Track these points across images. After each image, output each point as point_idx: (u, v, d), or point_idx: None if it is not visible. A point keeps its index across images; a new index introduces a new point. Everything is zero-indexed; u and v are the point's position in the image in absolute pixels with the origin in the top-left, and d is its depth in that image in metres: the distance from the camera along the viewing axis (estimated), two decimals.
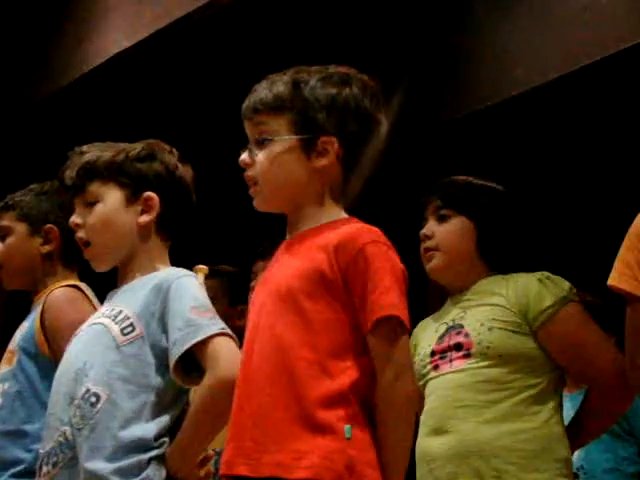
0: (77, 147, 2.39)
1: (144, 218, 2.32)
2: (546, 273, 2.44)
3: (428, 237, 2.53)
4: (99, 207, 2.31)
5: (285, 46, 4.33)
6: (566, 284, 2.42)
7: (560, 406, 2.41)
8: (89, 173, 2.33)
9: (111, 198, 2.32)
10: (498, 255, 2.51)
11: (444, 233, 2.51)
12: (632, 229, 2.24)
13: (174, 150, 2.41)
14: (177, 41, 4.36)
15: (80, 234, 2.33)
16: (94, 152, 2.35)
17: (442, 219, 2.53)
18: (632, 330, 2.25)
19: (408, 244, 2.58)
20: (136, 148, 2.36)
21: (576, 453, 3.19)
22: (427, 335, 2.52)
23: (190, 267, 2.35)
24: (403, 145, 4.47)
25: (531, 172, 4.59)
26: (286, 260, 2.05)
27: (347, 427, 1.89)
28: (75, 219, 2.33)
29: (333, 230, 2.02)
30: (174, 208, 2.34)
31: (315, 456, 1.87)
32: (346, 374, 1.93)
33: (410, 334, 2.02)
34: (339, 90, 2.06)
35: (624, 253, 2.23)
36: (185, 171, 2.40)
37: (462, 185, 2.58)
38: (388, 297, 1.95)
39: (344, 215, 2.09)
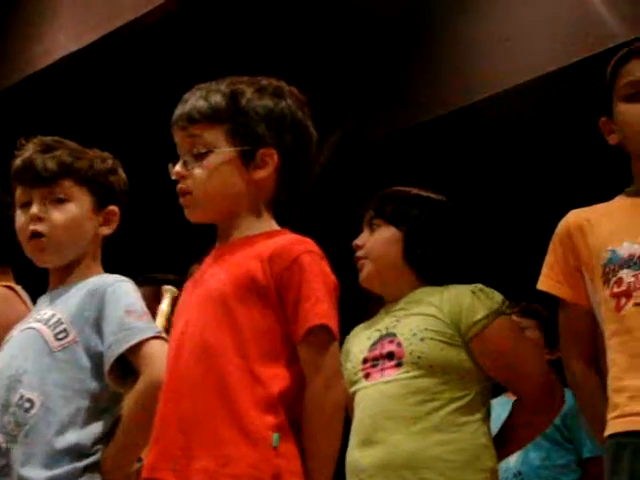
0: (40, 137, 2.36)
1: (105, 231, 2.35)
2: (479, 285, 2.47)
3: (359, 247, 2.56)
4: (70, 207, 2.30)
5: (227, 53, 4.33)
6: (499, 297, 2.45)
7: (488, 417, 2.43)
8: (67, 170, 2.31)
9: (82, 201, 2.31)
10: (426, 265, 2.53)
11: (372, 242, 2.55)
12: (555, 233, 2.30)
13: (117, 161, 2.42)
14: (124, 45, 4.35)
15: (38, 227, 2.29)
16: (66, 150, 2.33)
17: (374, 229, 2.57)
18: (562, 331, 2.32)
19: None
20: (107, 159, 2.37)
21: (515, 458, 3.24)
22: (359, 342, 2.53)
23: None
24: (350, 158, 4.52)
25: (472, 184, 4.63)
26: (218, 267, 2.06)
27: (275, 436, 1.90)
28: (38, 212, 2.29)
29: (267, 240, 2.03)
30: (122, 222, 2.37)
31: (242, 464, 1.88)
32: (276, 382, 1.94)
33: (341, 343, 2.04)
34: (275, 102, 2.08)
35: (548, 256, 2.31)
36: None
37: (395, 196, 2.61)
38: (320, 307, 1.96)
39: (277, 226, 2.11)
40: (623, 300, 2.14)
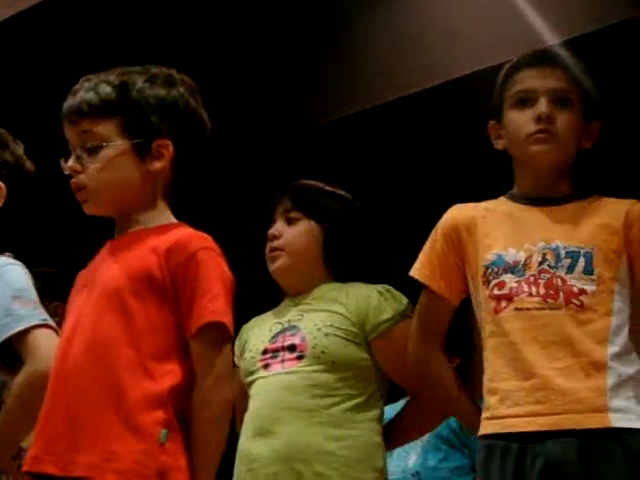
0: None
1: None
2: (387, 286, 2.48)
3: (276, 237, 2.54)
4: None
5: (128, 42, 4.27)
6: (404, 299, 2.46)
7: (382, 416, 2.45)
8: None
9: None
10: (342, 262, 2.53)
11: (291, 235, 2.53)
12: (439, 224, 2.31)
13: (19, 142, 2.37)
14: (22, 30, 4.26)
15: None
16: None
17: (291, 221, 2.55)
18: (421, 318, 2.33)
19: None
20: None
21: (414, 459, 3.26)
22: (260, 332, 2.52)
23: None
24: (261, 154, 4.50)
25: (381, 182, 4.65)
26: (113, 260, 2.04)
27: (163, 432, 1.89)
28: None
29: (164, 234, 2.02)
30: (16, 201, 2.30)
31: (127, 460, 1.86)
32: (167, 378, 1.93)
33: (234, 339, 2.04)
34: (167, 90, 2.06)
35: (426, 245, 2.31)
36: (31, 165, 2.36)
37: (313, 190, 2.61)
38: (216, 303, 1.96)
39: (174, 220, 2.09)
40: (503, 303, 2.17)
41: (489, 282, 2.19)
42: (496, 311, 2.18)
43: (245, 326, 2.58)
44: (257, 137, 4.56)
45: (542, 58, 2.30)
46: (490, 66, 3.58)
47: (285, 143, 4.50)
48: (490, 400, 2.15)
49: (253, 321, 2.60)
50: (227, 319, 1.96)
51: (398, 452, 3.25)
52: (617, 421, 2.06)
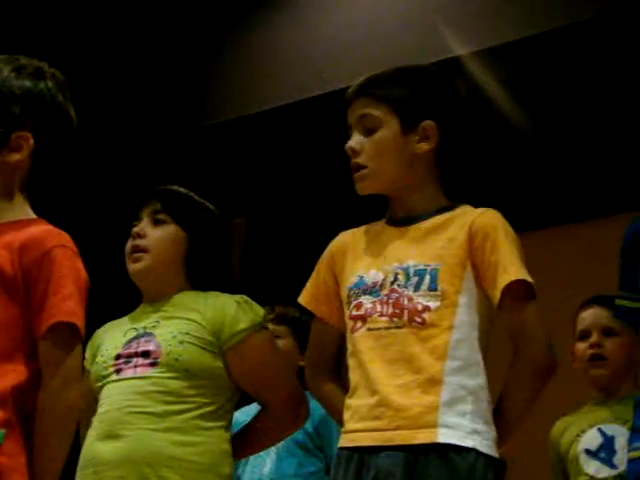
0: None
1: None
2: (244, 297, 2.49)
3: (140, 236, 2.52)
4: None
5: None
6: (261, 311, 2.48)
7: (230, 425, 2.46)
8: None
9: None
10: (203, 272, 2.54)
11: (157, 236, 2.51)
12: (325, 251, 2.37)
13: None
14: None
15: None
16: None
17: (158, 222, 2.53)
18: (311, 345, 2.41)
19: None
20: None
21: (268, 466, 3.27)
22: (113, 337, 2.49)
23: None
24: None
25: (263, 187, 4.66)
26: None
27: (1, 432, 1.85)
28: None
29: (20, 229, 1.98)
30: None
31: None
32: (11, 377, 1.89)
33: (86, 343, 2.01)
34: (34, 83, 2.02)
35: (314, 272, 2.37)
36: None
37: (184, 196, 2.60)
38: (68, 304, 1.93)
39: (33, 215, 2.05)
40: (359, 323, 2.22)
41: (350, 303, 2.25)
42: (352, 331, 2.24)
43: (98, 330, 2.56)
44: (132, 136, 4.54)
45: (350, 94, 2.31)
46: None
47: (161, 143, 4.49)
48: (345, 416, 2.22)
49: (107, 325, 2.58)
50: (78, 320, 1.93)
51: (254, 458, 3.26)
52: (444, 437, 2.09)
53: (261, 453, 3.09)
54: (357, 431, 2.17)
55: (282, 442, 3.17)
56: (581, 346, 3.19)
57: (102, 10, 4.42)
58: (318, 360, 2.37)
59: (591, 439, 3.10)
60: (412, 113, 2.25)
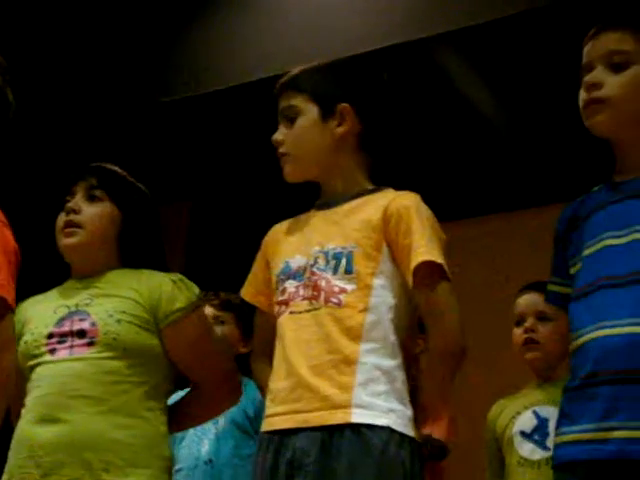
0: None
1: None
2: (180, 275, 2.50)
3: (75, 211, 2.52)
4: None
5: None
6: (196, 289, 2.49)
7: (167, 407, 2.46)
8: None
9: None
10: (136, 250, 2.55)
11: (92, 212, 2.52)
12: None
13: None
14: None
15: None
16: None
17: (93, 199, 2.54)
18: (255, 334, 2.49)
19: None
20: None
21: (207, 446, 3.30)
22: (43, 314, 2.47)
23: None
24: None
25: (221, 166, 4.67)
26: None
27: None
28: None
29: None
30: None
31: None
32: None
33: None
34: None
35: (253, 264, 2.44)
36: None
37: (119, 175, 2.61)
38: None
39: None
40: (283, 308, 2.28)
41: (277, 289, 2.31)
42: (278, 315, 2.29)
43: (22, 304, 2.50)
44: (83, 110, 4.53)
45: (276, 90, 2.38)
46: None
47: (109, 119, 4.49)
48: (267, 400, 2.27)
49: (31, 300, 2.55)
50: (8, 292, 1.95)
51: (190, 437, 3.29)
52: (358, 417, 2.12)
53: (198, 432, 3.13)
54: (277, 415, 2.21)
55: (222, 424, 3.23)
56: (517, 331, 3.25)
57: None
58: (260, 347, 2.44)
59: (526, 421, 3.16)
60: (329, 98, 2.32)
